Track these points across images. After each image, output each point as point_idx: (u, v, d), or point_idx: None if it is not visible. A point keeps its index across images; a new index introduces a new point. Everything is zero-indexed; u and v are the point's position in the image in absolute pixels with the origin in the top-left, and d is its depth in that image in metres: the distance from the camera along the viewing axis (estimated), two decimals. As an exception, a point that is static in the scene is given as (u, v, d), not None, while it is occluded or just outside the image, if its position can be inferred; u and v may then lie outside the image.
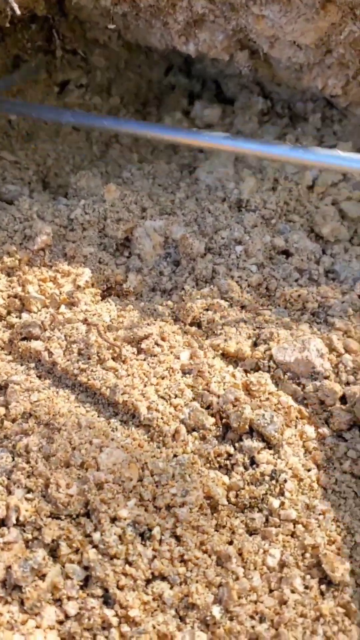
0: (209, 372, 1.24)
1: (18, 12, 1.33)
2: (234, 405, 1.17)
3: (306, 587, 0.96)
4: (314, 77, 1.65)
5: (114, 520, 0.98)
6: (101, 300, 1.44)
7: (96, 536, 0.96)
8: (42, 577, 0.93)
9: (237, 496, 1.08)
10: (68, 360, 1.26)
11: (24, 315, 1.37)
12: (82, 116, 1.75)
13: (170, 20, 1.61)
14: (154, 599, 0.93)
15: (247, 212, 1.58)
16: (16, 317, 1.37)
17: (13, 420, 1.16)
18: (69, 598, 0.93)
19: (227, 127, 1.93)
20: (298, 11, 1.45)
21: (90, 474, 1.02)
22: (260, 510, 1.06)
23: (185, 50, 1.70)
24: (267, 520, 1.05)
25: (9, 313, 1.39)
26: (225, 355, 1.31)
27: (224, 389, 1.21)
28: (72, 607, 0.92)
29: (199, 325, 1.38)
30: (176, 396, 1.20)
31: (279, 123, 1.90)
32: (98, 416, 1.18)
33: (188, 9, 1.57)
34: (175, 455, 1.11)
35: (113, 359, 1.26)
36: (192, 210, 1.59)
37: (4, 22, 1.70)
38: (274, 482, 1.08)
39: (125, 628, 0.90)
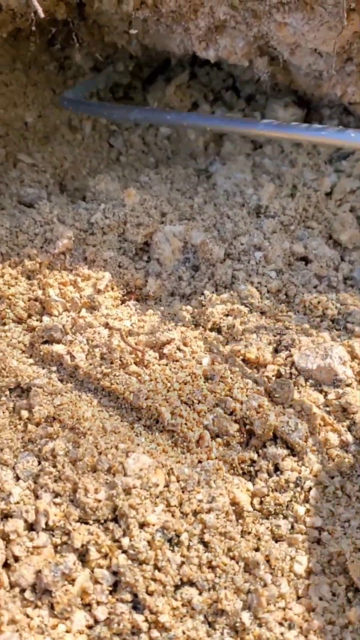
0: (231, 377, 1.25)
1: (42, 14, 1.33)
2: (258, 412, 1.18)
3: (333, 595, 0.97)
4: (333, 84, 1.66)
5: (142, 525, 0.99)
6: (121, 304, 1.44)
7: (125, 541, 0.97)
8: (72, 581, 0.94)
9: (261, 503, 1.09)
10: (90, 364, 1.26)
11: (45, 318, 1.37)
12: (149, 112, 1.76)
13: (191, 25, 1.62)
14: (183, 605, 0.94)
15: (266, 218, 1.58)
16: (37, 320, 1.38)
17: (37, 424, 1.16)
18: (98, 603, 0.93)
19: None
20: (321, 19, 1.45)
21: (118, 479, 1.03)
22: (285, 517, 1.07)
23: (205, 56, 1.70)
24: (292, 527, 1.05)
25: (29, 316, 1.40)
26: (246, 361, 1.31)
27: (247, 395, 1.21)
28: (101, 612, 0.92)
29: (219, 331, 1.38)
30: (199, 402, 1.20)
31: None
32: (121, 421, 1.18)
33: (210, 15, 1.57)
34: (199, 461, 1.12)
35: (135, 363, 1.27)
36: (210, 216, 1.60)
37: (25, 25, 1.71)
38: (298, 489, 1.09)
39: (155, 633, 0.90)
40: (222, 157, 1.87)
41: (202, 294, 1.45)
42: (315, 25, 1.48)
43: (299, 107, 1.89)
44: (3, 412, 1.21)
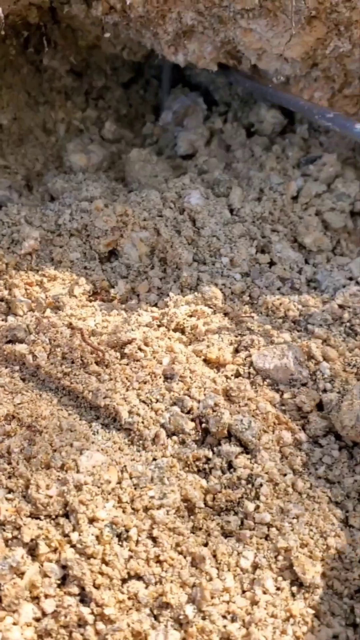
0: (190, 377, 1.27)
1: (1, 15, 1.36)
2: (214, 410, 1.20)
3: (278, 589, 0.99)
4: (300, 89, 1.68)
5: (91, 521, 1.01)
6: (87, 305, 1.46)
7: (74, 536, 0.99)
8: (21, 575, 0.96)
9: (214, 499, 1.11)
10: (52, 364, 1.28)
11: (10, 318, 1.39)
12: None
13: (160, 30, 1.64)
14: (129, 598, 0.96)
15: (234, 223, 1.61)
16: (1, 320, 1.40)
17: (-5, 423, 1.18)
18: (46, 596, 0.95)
19: (214, 137, 1.95)
20: (284, 26, 1.48)
21: (70, 475, 1.05)
22: (235, 514, 1.09)
23: (175, 60, 1.73)
24: (242, 523, 1.08)
25: (-6, 315, 1.41)
26: (207, 361, 1.33)
27: (204, 394, 1.23)
28: (49, 605, 0.94)
29: (182, 332, 1.41)
30: (157, 401, 1.23)
31: (266, 132, 1.92)
32: (80, 419, 1.20)
33: (177, 21, 1.60)
34: (154, 459, 1.14)
35: (96, 363, 1.29)
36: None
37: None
38: (250, 486, 1.11)
39: (100, 626, 0.92)
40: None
41: (168, 295, 1.47)
42: (279, 32, 1.50)
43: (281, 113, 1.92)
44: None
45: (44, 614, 0.94)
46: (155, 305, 1.48)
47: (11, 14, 1.68)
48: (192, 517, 1.08)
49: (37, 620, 0.94)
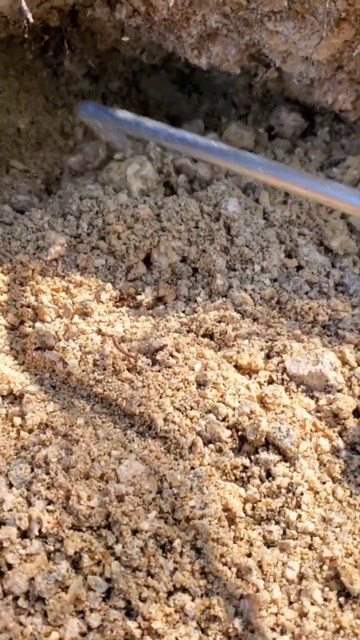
0: (223, 384, 1.25)
1: (32, 20, 1.34)
2: (250, 418, 1.18)
3: (325, 600, 0.97)
4: (324, 91, 1.67)
5: (135, 532, 0.99)
6: (114, 311, 1.45)
7: (118, 548, 0.97)
8: (65, 589, 0.94)
9: (253, 508, 1.09)
10: (83, 371, 1.27)
11: (38, 324, 1.38)
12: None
13: (183, 33, 1.63)
14: (176, 611, 0.94)
15: (266, 228, 1.59)
16: (29, 326, 1.38)
17: (30, 431, 1.17)
18: (91, 610, 0.93)
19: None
20: (312, 28, 1.47)
21: (111, 485, 1.03)
22: (277, 523, 1.07)
23: (197, 63, 1.72)
24: (284, 532, 1.06)
25: (22, 322, 1.40)
26: (238, 367, 1.32)
27: (239, 401, 1.22)
28: (94, 619, 0.93)
29: (211, 337, 1.39)
30: (192, 408, 1.21)
31: (287, 135, 1.91)
32: (114, 427, 1.19)
33: (202, 23, 1.59)
34: (192, 468, 1.12)
35: (128, 370, 1.27)
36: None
37: (18, 32, 1.71)
38: (290, 494, 1.10)
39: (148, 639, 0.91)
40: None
41: (196, 300, 1.46)
42: (307, 34, 1.49)
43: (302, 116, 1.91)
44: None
45: (90, 629, 0.93)
46: (183, 311, 1.46)
47: (32, 17, 1.66)
48: (232, 527, 1.06)
49: (83, 635, 0.92)
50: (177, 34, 1.64)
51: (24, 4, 1.27)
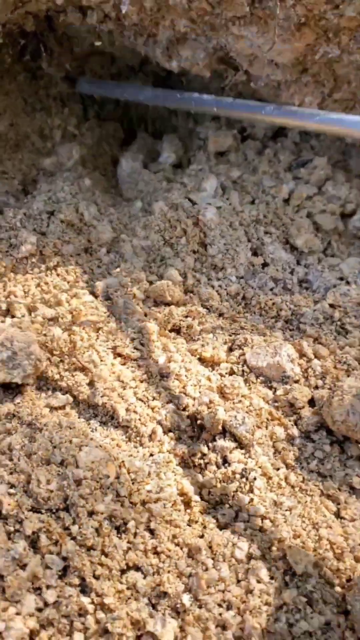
0: (185, 375, 1.30)
1: None
2: (208, 407, 1.23)
3: (271, 578, 1.02)
4: (291, 94, 1.72)
5: (91, 514, 1.04)
6: (84, 305, 1.49)
7: (74, 529, 1.02)
8: (23, 567, 0.99)
9: (209, 493, 1.14)
10: (51, 364, 1.31)
11: (8, 320, 1.42)
12: (161, 92, 1.81)
13: (154, 38, 1.67)
14: (128, 588, 0.99)
15: (233, 229, 1.64)
16: (1, 322, 1.42)
17: (-3, 421, 1.22)
18: (48, 587, 0.98)
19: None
20: (274, 32, 1.52)
21: (70, 470, 1.08)
22: (230, 507, 1.12)
23: (168, 67, 1.76)
24: (236, 515, 1.11)
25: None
26: (202, 360, 1.37)
27: (200, 392, 1.27)
28: (50, 595, 0.97)
29: (178, 331, 1.44)
30: (154, 398, 1.26)
31: (259, 136, 1.96)
32: (78, 417, 1.24)
33: (170, 28, 1.63)
34: (151, 455, 1.17)
35: (93, 363, 1.32)
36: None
37: (-5, 38, 1.76)
38: (244, 480, 1.14)
39: (100, 615, 0.95)
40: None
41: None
42: (270, 38, 1.54)
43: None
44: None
45: (46, 604, 0.97)
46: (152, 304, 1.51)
47: (8, 22, 1.72)
48: (188, 510, 1.11)
49: (39, 610, 0.97)
50: (148, 38, 1.68)
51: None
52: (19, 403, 1.25)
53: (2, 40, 1.79)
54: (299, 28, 1.49)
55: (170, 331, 1.44)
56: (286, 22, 1.46)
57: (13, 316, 1.43)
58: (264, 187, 1.74)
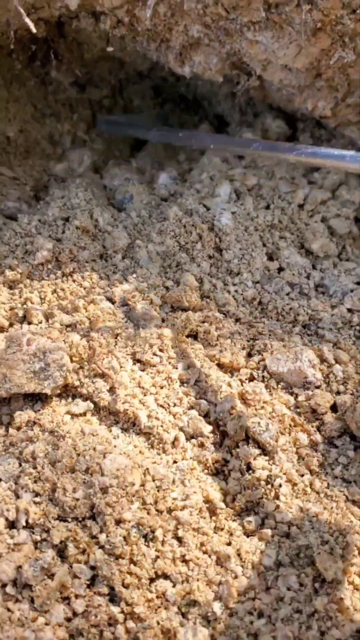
0: (205, 381, 1.30)
1: (34, 30, 1.38)
2: (231, 414, 1.23)
3: (301, 585, 1.01)
4: (304, 99, 1.72)
5: (118, 522, 1.03)
6: (102, 311, 1.48)
7: (102, 537, 1.01)
8: (51, 576, 0.98)
9: (234, 500, 1.14)
10: (70, 371, 1.30)
11: (25, 326, 1.41)
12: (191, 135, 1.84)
13: (166, 43, 1.67)
14: (157, 597, 0.98)
15: (248, 234, 1.64)
16: (18, 328, 1.42)
17: (18, 428, 1.21)
18: (76, 596, 0.97)
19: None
20: (290, 37, 1.52)
21: (95, 478, 1.07)
22: (256, 514, 1.12)
23: (181, 72, 1.76)
24: (263, 522, 1.10)
25: (11, 325, 1.44)
26: (220, 366, 1.36)
27: (221, 398, 1.26)
28: (79, 605, 0.97)
29: (195, 337, 1.43)
30: (175, 405, 1.25)
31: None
32: (100, 424, 1.23)
33: (184, 33, 1.63)
34: (175, 462, 1.16)
35: (113, 369, 1.31)
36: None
37: (6, 42, 1.76)
38: (269, 486, 1.14)
39: (130, 624, 0.95)
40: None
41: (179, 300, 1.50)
42: (285, 43, 1.54)
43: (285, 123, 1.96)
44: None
45: (75, 614, 0.97)
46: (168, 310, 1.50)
47: (20, 28, 1.71)
48: (213, 517, 1.11)
49: (68, 620, 0.96)
50: (160, 44, 1.68)
51: (25, 18, 1.31)
52: (39, 410, 1.24)
53: (13, 47, 1.78)
54: (314, 33, 1.49)
55: (187, 336, 1.44)
56: (302, 27, 1.46)
57: (30, 323, 1.42)
58: (280, 193, 1.73)
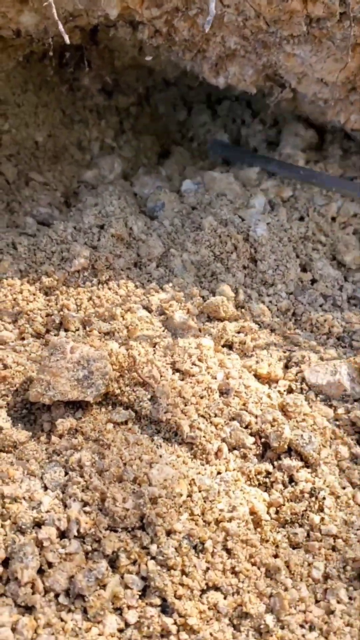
0: (245, 392, 1.30)
1: (68, 41, 1.39)
2: (272, 425, 1.23)
3: (350, 598, 1.02)
4: (337, 111, 1.73)
5: (169, 533, 1.04)
6: (139, 319, 1.49)
7: (153, 548, 1.02)
8: (104, 587, 0.98)
9: (277, 512, 1.14)
10: (112, 379, 1.31)
11: (62, 333, 1.42)
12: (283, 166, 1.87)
13: (203, 54, 1.68)
14: (209, 608, 0.99)
15: (282, 245, 1.65)
16: (55, 335, 1.42)
17: (60, 436, 1.21)
18: (129, 607, 0.98)
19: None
20: (328, 51, 1.53)
21: (145, 488, 1.08)
22: (301, 526, 1.12)
23: (215, 83, 1.77)
24: (308, 535, 1.11)
25: (47, 331, 1.44)
26: (257, 377, 1.37)
27: (261, 409, 1.27)
28: (132, 616, 0.97)
29: (230, 347, 1.44)
30: (216, 415, 1.26)
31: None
32: (141, 433, 1.23)
33: (221, 44, 1.64)
34: (219, 473, 1.17)
35: (154, 378, 1.32)
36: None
37: (39, 49, 1.77)
38: (313, 499, 1.14)
39: (184, 636, 0.95)
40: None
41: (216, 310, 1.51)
42: (323, 57, 1.55)
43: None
44: (25, 425, 1.26)
45: (127, 625, 0.97)
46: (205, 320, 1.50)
47: (56, 35, 1.72)
48: (258, 529, 1.11)
49: (121, 630, 0.97)
50: (196, 54, 1.69)
51: (61, 27, 1.31)
52: (81, 418, 1.24)
53: (48, 53, 1.79)
54: (354, 48, 1.50)
55: (222, 347, 1.44)
56: (343, 42, 1.47)
57: (67, 330, 1.43)
58: (315, 205, 1.74)
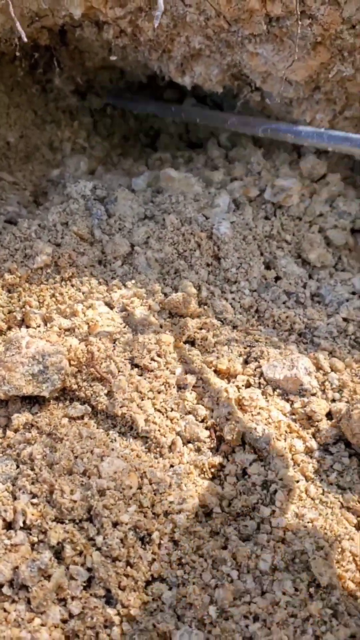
0: (202, 387, 1.31)
1: (25, 39, 1.40)
2: (228, 419, 1.24)
3: (296, 590, 1.02)
4: (302, 110, 1.74)
5: (115, 524, 1.04)
6: (100, 316, 1.49)
7: (99, 539, 1.02)
8: (48, 577, 0.98)
9: (229, 505, 1.14)
10: (69, 374, 1.31)
11: (24, 330, 1.42)
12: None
13: (168, 54, 1.69)
14: (153, 599, 0.98)
15: (247, 243, 1.65)
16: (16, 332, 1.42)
17: (15, 431, 1.21)
18: (73, 598, 0.98)
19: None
20: (290, 50, 1.54)
21: (93, 481, 1.08)
22: (252, 518, 1.12)
23: (181, 82, 1.78)
24: (258, 527, 1.11)
25: (9, 328, 1.44)
26: (217, 372, 1.37)
27: (218, 404, 1.27)
28: (75, 607, 0.97)
29: (192, 343, 1.44)
30: (172, 409, 1.26)
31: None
32: (97, 428, 1.23)
33: (186, 44, 1.66)
34: (171, 466, 1.17)
35: (111, 373, 1.32)
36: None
37: (9, 50, 1.77)
38: (265, 492, 1.15)
39: (126, 626, 0.95)
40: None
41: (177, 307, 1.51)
42: (285, 56, 1.56)
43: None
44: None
45: (71, 615, 0.97)
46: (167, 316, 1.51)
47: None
48: (209, 522, 1.11)
49: (64, 621, 0.96)
50: (162, 54, 1.70)
51: (18, 25, 1.32)
52: (37, 413, 1.24)
53: (16, 54, 1.80)
54: (314, 47, 1.51)
55: (184, 343, 1.45)
56: (302, 40, 1.49)
57: (28, 326, 1.43)
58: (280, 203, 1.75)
